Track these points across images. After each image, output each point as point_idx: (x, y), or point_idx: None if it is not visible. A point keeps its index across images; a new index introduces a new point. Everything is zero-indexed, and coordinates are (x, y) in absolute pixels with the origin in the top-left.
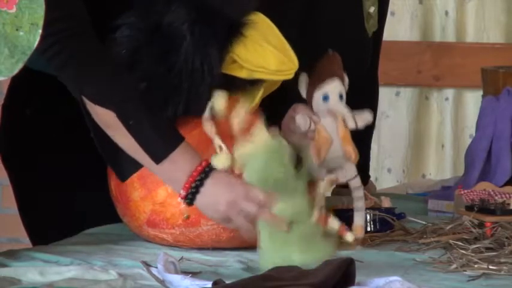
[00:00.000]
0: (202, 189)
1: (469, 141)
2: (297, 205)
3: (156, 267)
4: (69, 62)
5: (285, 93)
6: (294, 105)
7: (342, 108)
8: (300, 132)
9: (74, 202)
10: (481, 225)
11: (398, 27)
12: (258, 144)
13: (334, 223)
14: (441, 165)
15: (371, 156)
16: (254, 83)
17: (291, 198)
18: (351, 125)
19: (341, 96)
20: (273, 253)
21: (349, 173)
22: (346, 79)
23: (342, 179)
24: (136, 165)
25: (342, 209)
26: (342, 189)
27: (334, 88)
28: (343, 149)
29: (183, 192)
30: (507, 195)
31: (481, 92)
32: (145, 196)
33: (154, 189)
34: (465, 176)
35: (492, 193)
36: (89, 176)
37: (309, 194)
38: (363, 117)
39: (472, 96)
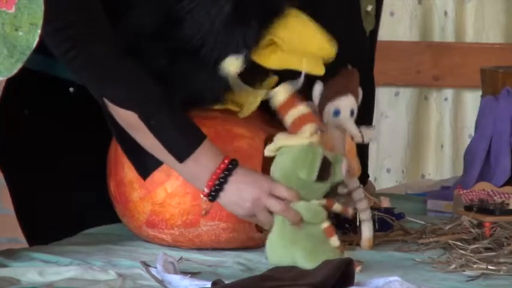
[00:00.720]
0: (226, 187)
1: (468, 141)
2: (312, 207)
3: (155, 268)
4: (89, 65)
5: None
6: None
7: (351, 126)
8: None
9: (72, 202)
10: (480, 225)
11: (398, 27)
12: (294, 141)
13: (335, 240)
14: (440, 166)
15: (370, 156)
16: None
17: (308, 200)
18: (358, 139)
19: (352, 113)
20: (280, 248)
21: (351, 185)
22: (360, 96)
23: (343, 191)
24: (158, 162)
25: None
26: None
27: (346, 104)
28: (345, 160)
29: (206, 190)
30: (506, 196)
31: (480, 92)
32: (144, 196)
33: (154, 189)
34: (464, 176)
35: (491, 193)
36: (87, 176)
37: (326, 206)
38: (369, 133)
39: (471, 96)
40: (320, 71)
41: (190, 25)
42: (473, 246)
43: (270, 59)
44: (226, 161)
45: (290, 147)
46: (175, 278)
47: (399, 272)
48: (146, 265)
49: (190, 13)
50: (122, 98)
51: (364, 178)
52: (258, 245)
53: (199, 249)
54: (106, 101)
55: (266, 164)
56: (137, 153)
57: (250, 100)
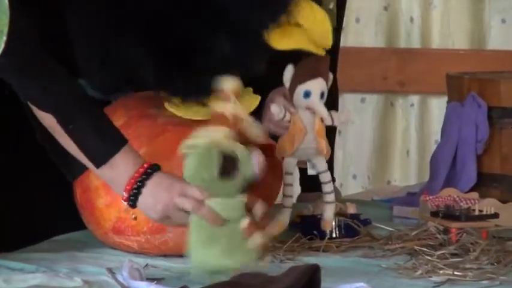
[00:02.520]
0: (144, 190)
1: (434, 147)
2: (227, 203)
3: (122, 274)
4: (11, 68)
5: (266, 82)
6: (271, 93)
7: (321, 107)
8: (276, 121)
9: (34, 209)
10: (446, 231)
11: (364, 34)
12: (200, 140)
13: (256, 238)
14: (406, 172)
15: (336, 162)
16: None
17: (222, 199)
18: (328, 122)
19: (322, 95)
20: (199, 249)
21: (319, 167)
22: (331, 80)
23: (312, 172)
24: (84, 167)
25: (307, 216)
26: (308, 194)
27: (316, 87)
28: (317, 141)
29: (125, 194)
30: (472, 201)
31: (446, 98)
32: (110, 203)
33: (119, 196)
34: (430, 182)
35: (457, 199)
36: (51, 183)
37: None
38: (340, 116)
39: (437, 102)
40: (321, 51)
41: None
42: (439, 252)
43: (282, 42)
44: (145, 166)
45: (194, 149)
46: (141, 285)
47: (365, 278)
48: (112, 272)
49: None
50: (41, 101)
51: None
52: None
53: (166, 255)
54: (29, 102)
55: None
56: (64, 155)
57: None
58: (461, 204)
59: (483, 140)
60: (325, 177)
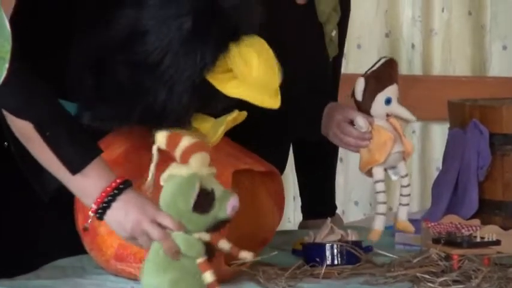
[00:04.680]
0: (114, 205)
1: (435, 173)
2: (190, 240)
3: None
4: None
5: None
6: (337, 107)
7: (404, 110)
8: (358, 133)
9: (34, 233)
10: (448, 258)
11: (365, 60)
12: (178, 171)
13: (208, 276)
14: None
15: (338, 188)
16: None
17: (190, 231)
18: (413, 121)
19: (398, 99)
20: (153, 275)
21: (401, 171)
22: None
23: (394, 177)
24: (57, 182)
25: (309, 243)
26: (309, 221)
27: (394, 91)
28: (404, 143)
29: (94, 206)
30: (474, 228)
31: (447, 125)
32: (112, 230)
33: None
34: (432, 208)
35: (459, 226)
36: (52, 207)
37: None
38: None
39: (439, 129)
40: (275, 104)
41: (151, 39)
42: (441, 279)
43: (227, 86)
44: (118, 181)
45: (174, 177)
46: None
47: None
48: None
49: (152, 28)
50: (18, 108)
51: (331, 210)
52: (225, 278)
53: None
54: (5, 112)
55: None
56: (39, 172)
57: (212, 130)
58: (463, 231)
59: (485, 167)
60: (405, 181)
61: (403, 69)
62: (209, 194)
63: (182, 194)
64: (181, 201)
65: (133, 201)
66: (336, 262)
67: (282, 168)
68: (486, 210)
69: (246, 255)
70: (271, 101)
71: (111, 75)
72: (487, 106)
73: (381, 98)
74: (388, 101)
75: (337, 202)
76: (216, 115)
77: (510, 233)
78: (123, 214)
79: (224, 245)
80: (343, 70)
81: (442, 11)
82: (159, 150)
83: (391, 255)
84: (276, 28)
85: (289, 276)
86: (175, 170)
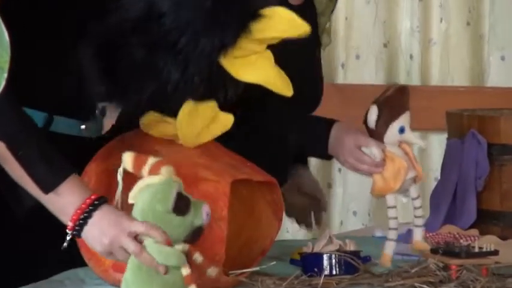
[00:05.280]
0: (90, 221)
1: (434, 184)
2: (164, 250)
3: None
4: None
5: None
6: (349, 132)
7: (416, 138)
8: (372, 162)
9: (32, 247)
10: (446, 268)
11: (363, 71)
12: (156, 178)
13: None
14: (406, 208)
15: (337, 199)
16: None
17: (165, 248)
18: (422, 145)
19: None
20: None
21: (413, 193)
22: None
23: (405, 200)
24: (33, 198)
25: (307, 253)
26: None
27: (407, 120)
28: (416, 170)
29: (70, 224)
30: (472, 238)
31: (445, 135)
32: None
33: None
34: (430, 219)
35: (457, 236)
36: (51, 221)
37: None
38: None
39: (437, 139)
40: (289, 91)
41: (169, 20)
42: None
43: (241, 71)
44: (93, 197)
45: (148, 186)
46: None
47: None
48: None
49: (169, 8)
50: None
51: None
52: None
53: None
54: None
55: (231, 207)
56: (14, 189)
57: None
58: (461, 241)
59: (483, 177)
60: (418, 202)
61: (402, 79)
62: (185, 197)
63: (160, 197)
64: (160, 204)
65: (109, 216)
66: (334, 272)
67: (283, 179)
68: (484, 221)
69: (212, 272)
70: (285, 87)
71: (124, 57)
72: (485, 116)
73: (395, 127)
74: (401, 130)
75: (336, 212)
76: (220, 107)
77: (508, 243)
78: (100, 230)
79: (198, 257)
80: (342, 80)
81: (441, 21)
82: (125, 172)
83: (389, 265)
84: None
85: (287, 286)
86: (146, 181)
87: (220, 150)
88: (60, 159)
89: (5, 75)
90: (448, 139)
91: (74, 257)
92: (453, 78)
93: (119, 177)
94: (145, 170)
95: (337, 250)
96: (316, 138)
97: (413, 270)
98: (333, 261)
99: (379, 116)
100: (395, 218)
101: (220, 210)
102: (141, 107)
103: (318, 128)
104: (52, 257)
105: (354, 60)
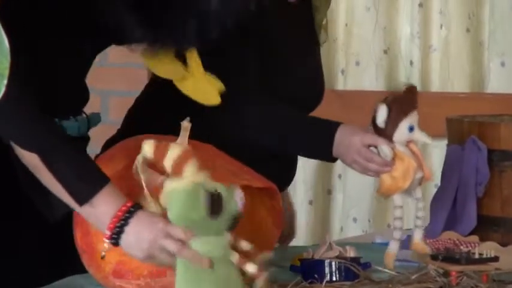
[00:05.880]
0: (127, 229)
1: (434, 190)
2: (213, 244)
3: None
4: None
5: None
6: (356, 132)
7: (425, 137)
8: (381, 160)
9: (32, 254)
10: (446, 274)
11: (364, 77)
12: (181, 184)
13: (251, 267)
14: (407, 215)
15: (337, 205)
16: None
17: (209, 239)
18: (429, 142)
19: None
20: None
21: (417, 194)
22: None
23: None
24: (66, 206)
25: (307, 259)
26: None
27: (416, 118)
28: (424, 169)
29: (108, 232)
30: (472, 245)
31: (446, 141)
32: (111, 247)
33: None
34: (430, 225)
35: (457, 242)
36: (50, 226)
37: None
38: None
39: (437, 146)
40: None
41: None
42: None
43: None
44: (128, 204)
45: (177, 192)
46: None
47: None
48: None
49: None
50: (24, 140)
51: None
52: None
53: None
54: (12, 143)
55: None
56: (45, 195)
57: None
58: (462, 247)
59: (483, 183)
60: (421, 204)
61: (398, 84)
62: (216, 195)
63: (191, 205)
64: (193, 212)
65: (145, 221)
66: (334, 278)
67: (288, 180)
68: (484, 227)
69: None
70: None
71: None
72: (485, 122)
73: (404, 125)
74: (411, 129)
75: (336, 218)
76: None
77: (508, 250)
78: (137, 235)
79: (245, 245)
80: (342, 87)
81: (441, 27)
82: (145, 161)
83: (389, 272)
84: (268, 27)
85: None
86: (173, 186)
87: (220, 156)
88: (94, 168)
89: (5, 81)
90: (448, 145)
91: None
92: (453, 85)
93: (139, 167)
94: (168, 164)
95: (337, 256)
96: (321, 140)
97: (413, 277)
98: (333, 267)
99: (388, 115)
100: (401, 218)
101: None
102: (182, 42)
103: (323, 129)
104: (51, 264)
105: (354, 66)
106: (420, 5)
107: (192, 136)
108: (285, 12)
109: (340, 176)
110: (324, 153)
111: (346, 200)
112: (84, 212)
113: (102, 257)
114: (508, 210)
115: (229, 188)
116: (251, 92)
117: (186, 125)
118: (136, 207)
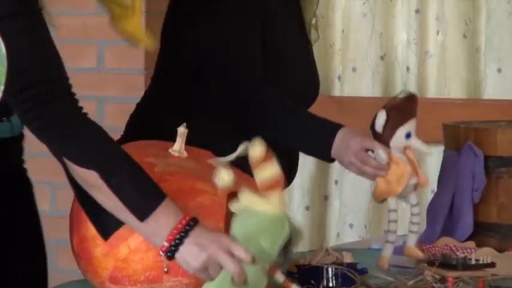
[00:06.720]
0: (187, 240)
1: (430, 196)
2: (258, 275)
3: None
4: (49, 125)
5: None
6: (355, 135)
7: (422, 145)
8: (377, 164)
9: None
10: (443, 280)
11: (360, 83)
12: (261, 206)
13: (280, 276)
14: (403, 221)
15: (333, 211)
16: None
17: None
18: (429, 152)
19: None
20: None
21: (412, 200)
22: None
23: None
24: (119, 223)
25: (304, 265)
26: None
27: (414, 126)
28: (419, 175)
29: (166, 244)
30: (469, 251)
31: (442, 147)
32: (107, 252)
33: (117, 245)
34: (427, 231)
35: (454, 248)
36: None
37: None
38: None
39: (434, 151)
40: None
41: None
42: None
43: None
44: (187, 218)
45: (257, 211)
46: None
47: None
48: None
49: None
50: (81, 157)
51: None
52: None
53: None
54: (66, 160)
55: (228, 220)
56: (98, 213)
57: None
58: (458, 253)
59: (480, 189)
60: (416, 209)
61: (398, 91)
62: (289, 238)
63: (272, 235)
64: (269, 242)
65: (206, 235)
66: (330, 284)
67: (288, 181)
68: (481, 233)
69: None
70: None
71: None
72: (481, 129)
73: (401, 132)
74: (408, 135)
75: (332, 224)
76: None
77: (505, 255)
78: (199, 246)
79: (280, 277)
80: (338, 93)
81: (437, 33)
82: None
83: (386, 278)
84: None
85: None
86: (256, 205)
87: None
88: (152, 183)
89: (2, 87)
90: (444, 151)
91: None
92: (450, 91)
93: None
94: (261, 173)
95: (334, 262)
96: (322, 138)
97: (410, 283)
98: (330, 273)
99: (386, 121)
100: (395, 221)
101: (217, 222)
102: None
103: (326, 128)
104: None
105: (351, 72)
106: (417, 11)
107: (189, 142)
108: (283, 7)
109: (336, 182)
110: (323, 151)
111: (342, 206)
112: (143, 227)
113: (166, 272)
114: (505, 216)
115: (299, 230)
116: (259, 83)
117: (182, 130)
118: (195, 221)
